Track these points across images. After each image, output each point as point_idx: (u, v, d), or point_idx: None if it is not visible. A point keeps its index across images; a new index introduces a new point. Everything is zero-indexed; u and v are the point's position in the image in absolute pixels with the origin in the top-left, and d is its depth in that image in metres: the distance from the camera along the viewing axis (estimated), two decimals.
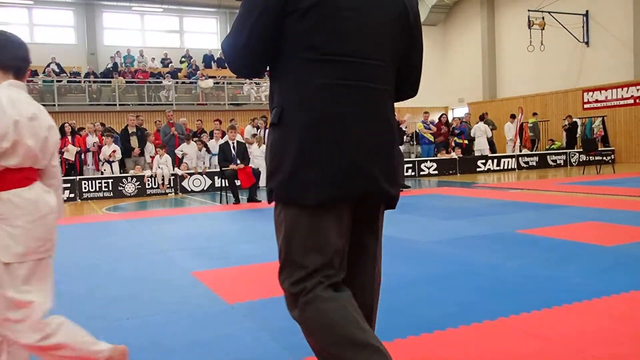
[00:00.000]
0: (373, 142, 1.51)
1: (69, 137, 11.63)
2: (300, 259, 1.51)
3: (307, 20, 1.44)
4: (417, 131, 16.36)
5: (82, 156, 11.84)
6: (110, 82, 18.29)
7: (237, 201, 9.09)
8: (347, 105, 1.48)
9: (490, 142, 15.77)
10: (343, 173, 1.47)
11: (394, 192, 1.61)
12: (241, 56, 1.54)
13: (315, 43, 1.45)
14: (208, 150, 12.41)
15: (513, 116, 16.25)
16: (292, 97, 1.50)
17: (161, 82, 18.72)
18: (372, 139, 1.51)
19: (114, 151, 11.55)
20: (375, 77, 1.52)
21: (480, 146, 15.38)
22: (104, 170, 11.60)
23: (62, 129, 11.77)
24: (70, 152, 11.54)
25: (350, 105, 1.48)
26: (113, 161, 11.63)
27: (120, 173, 11.86)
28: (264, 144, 13.12)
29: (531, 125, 17.15)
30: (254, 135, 12.71)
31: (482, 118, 15.72)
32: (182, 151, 12.11)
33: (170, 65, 20.25)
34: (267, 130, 13.71)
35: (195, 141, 12.30)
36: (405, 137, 16.29)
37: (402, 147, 15.87)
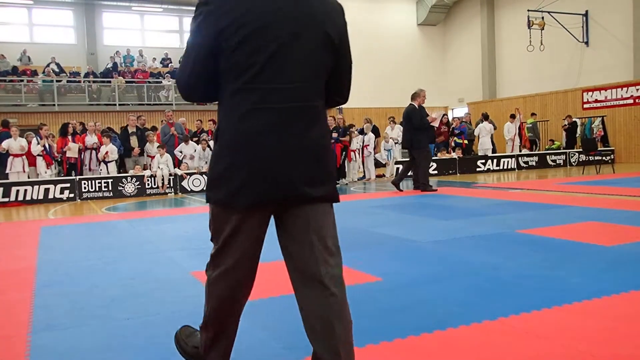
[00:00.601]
0: (290, 154, 1.75)
1: (70, 137, 11.62)
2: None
3: (236, 55, 1.71)
4: None
5: (82, 155, 11.83)
6: (110, 82, 18.28)
7: None
8: (263, 126, 1.73)
9: (492, 141, 15.78)
10: (262, 181, 1.73)
11: (319, 193, 1.80)
12: (186, 90, 1.85)
13: (241, 75, 1.73)
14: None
15: (513, 116, 16.26)
16: (224, 120, 1.79)
17: (161, 82, 18.72)
18: (289, 152, 1.75)
19: (107, 152, 11.55)
20: (295, 98, 1.77)
21: (485, 146, 15.37)
22: (100, 170, 11.61)
23: (64, 129, 11.75)
24: (73, 150, 11.53)
25: (266, 126, 1.73)
26: (109, 161, 11.62)
27: (120, 173, 11.87)
28: None
29: (530, 125, 17.14)
30: None
31: (486, 117, 15.71)
32: (181, 152, 12.12)
33: (170, 65, 20.25)
34: None
35: (195, 141, 12.31)
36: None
37: (398, 147, 15.87)
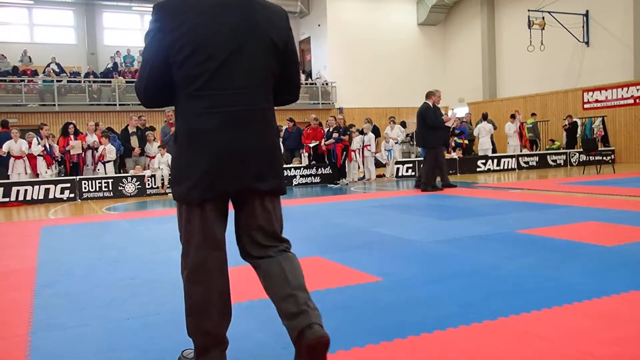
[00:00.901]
0: (240, 153, 1.96)
1: (72, 137, 11.59)
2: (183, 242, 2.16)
3: (186, 67, 1.90)
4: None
5: (84, 155, 11.82)
6: (110, 82, 18.28)
7: None
8: (215, 126, 1.93)
9: (492, 141, 15.78)
10: (215, 178, 1.94)
11: (268, 186, 2.03)
12: (144, 98, 2.05)
13: (190, 83, 1.92)
14: None
15: (513, 116, 16.27)
16: (180, 122, 1.99)
17: None
18: (239, 151, 1.95)
19: (104, 150, 11.54)
20: (244, 102, 1.97)
21: (484, 146, 15.37)
22: (98, 170, 11.61)
23: (65, 129, 11.72)
24: (76, 148, 11.52)
25: (218, 125, 1.93)
26: (106, 162, 11.62)
27: (120, 173, 11.87)
28: None
29: (530, 125, 17.14)
30: None
31: (485, 117, 15.71)
32: None
33: None
34: None
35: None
36: (406, 136, 16.20)
37: (402, 147, 15.88)
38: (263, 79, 2.02)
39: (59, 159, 11.95)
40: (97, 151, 11.66)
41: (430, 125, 9.46)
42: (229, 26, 1.93)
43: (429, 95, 9.67)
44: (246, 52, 1.96)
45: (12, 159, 10.91)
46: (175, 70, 1.93)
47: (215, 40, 1.92)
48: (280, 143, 1.96)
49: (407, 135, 17.42)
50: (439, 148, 9.64)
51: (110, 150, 11.68)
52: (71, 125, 11.65)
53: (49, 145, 11.48)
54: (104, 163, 11.62)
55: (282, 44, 2.05)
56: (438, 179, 9.93)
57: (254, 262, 2.12)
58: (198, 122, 1.94)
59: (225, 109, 1.94)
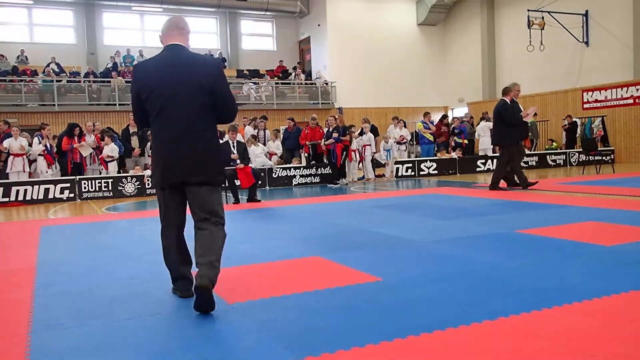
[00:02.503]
0: (182, 156, 3.04)
1: (76, 139, 11.54)
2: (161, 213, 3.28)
3: (147, 104, 3.09)
4: (417, 131, 16.34)
5: (86, 155, 11.80)
6: (110, 82, 18.27)
7: (236, 201, 9.09)
8: (165, 138, 3.07)
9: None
10: (167, 173, 3.09)
11: (200, 179, 3.06)
12: (136, 120, 3.32)
13: (151, 114, 3.10)
14: None
15: None
16: (152, 137, 3.31)
17: None
18: (183, 152, 3.04)
19: (108, 154, 11.55)
20: (183, 125, 3.04)
21: (485, 145, 15.36)
22: (101, 170, 11.60)
23: (71, 130, 11.63)
24: (86, 149, 11.50)
25: (167, 140, 3.06)
26: (109, 161, 11.62)
27: (120, 173, 11.86)
28: (262, 144, 13.13)
29: (529, 125, 17.11)
30: (254, 136, 12.74)
31: (484, 117, 15.71)
32: None
33: None
34: (265, 130, 13.77)
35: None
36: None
37: (404, 147, 15.80)
38: (196, 109, 3.06)
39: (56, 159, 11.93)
40: (100, 152, 11.65)
41: (508, 123, 8.96)
42: (170, 77, 3.05)
43: (505, 91, 9.17)
44: (182, 93, 3.04)
45: (10, 157, 10.90)
46: (145, 105, 3.12)
47: (161, 87, 3.05)
48: (217, 150, 3.08)
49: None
50: (515, 145, 9.10)
51: (113, 149, 11.69)
52: (77, 128, 11.60)
53: (49, 145, 11.47)
54: (106, 162, 11.62)
55: (209, 86, 3.06)
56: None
57: (195, 228, 3.09)
58: (157, 138, 3.14)
59: (171, 129, 3.06)
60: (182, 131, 3.03)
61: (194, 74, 3.06)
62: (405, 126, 17.13)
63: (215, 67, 3.13)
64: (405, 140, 14.91)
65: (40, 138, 11.25)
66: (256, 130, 13.32)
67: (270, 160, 13.06)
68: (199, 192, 3.07)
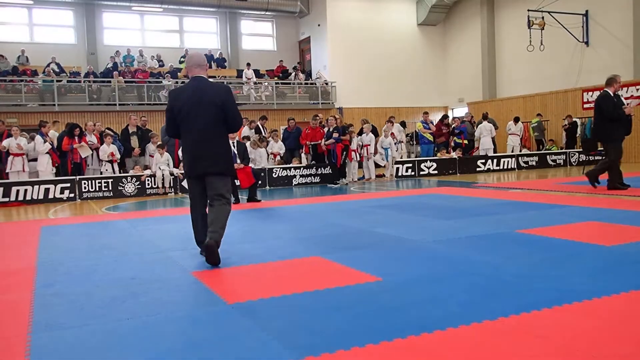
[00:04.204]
0: (203, 153, 4.27)
1: (76, 139, 11.52)
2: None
3: (178, 117, 4.34)
4: (417, 131, 16.34)
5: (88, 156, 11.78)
6: (110, 82, 18.27)
7: (236, 201, 9.08)
8: (190, 142, 4.33)
9: (493, 141, 15.77)
10: (192, 167, 4.34)
11: (215, 171, 4.28)
12: (169, 132, 4.54)
13: (180, 124, 4.35)
14: None
15: (517, 119, 16.26)
16: (182, 142, 4.55)
17: (161, 82, 18.71)
18: (203, 152, 4.28)
19: (112, 152, 11.54)
20: (202, 131, 4.27)
21: (485, 145, 15.35)
22: (106, 169, 11.60)
23: (71, 131, 11.62)
24: (85, 150, 11.49)
25: (191, 139, 4.32)
26: (109, 160, 11.61)
27: (120, 173, 11.86)
28: (264, 145, 13.13)
29: (535, 124, 17.12)
30: (260, 139, 12.78)
31: (485, 117, 15.71)
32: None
33: (170, 65, 20.25)
34: (265, 130, 13.78)
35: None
36: (405, 135, 16.04)
37: (402, 146, 15.79)
38: (211, 120, 4.29)
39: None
40: (102, 152, 11.64)
41: (610, 117, 8.17)
42: (194, 100, 4.29)
43: (609, 82, 8.37)
44: (202, 111, 4.27)
45: (10, 157, 10.90)
46: (176, 119, 4.37)
47: (188, 107, 4.29)
48: (227, 150, 4.52)
49: (406, 135, 17.38)
50: (620, 142, 8.40)
51: (114, 150, 11.68)
52: (77, 129, 11.58)
53: (50, 142, 11.45)
54: (110, 162, 11.61)
55: (221, 102, 4.29)
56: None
57: (209, 204, 4.35)
58: (185, 142, 4.42)
59: (194, 136, 4.31)
60: (201, 137, 4.28)
61: (210, 96, 4.29)
62: (404, 126, 17.13)
63: (225, 89, 4.48)
64: (396, 140, 14.83)
65: (42, 136, 11.21)
66: (257, 135, 13.29)
67: (274, 160, 13.15)
68: (214, 180, 4.30)
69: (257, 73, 21.55)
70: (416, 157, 16.02)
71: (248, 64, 20.85)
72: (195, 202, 4.47)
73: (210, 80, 4.55)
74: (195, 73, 4.44)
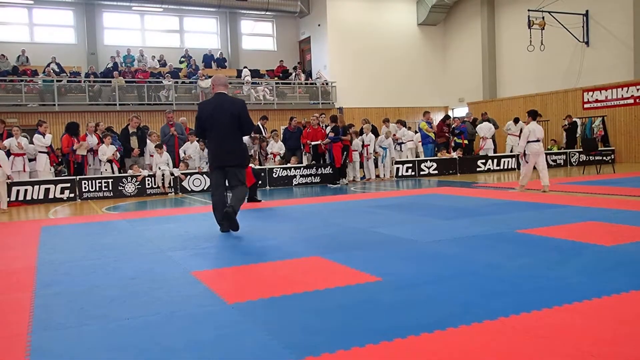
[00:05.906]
0: (224, 150, 5.80)
1: (75, 138, 11.51)
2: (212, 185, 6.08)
3: (205, 124, 5.87)
4: (420, 129, 16.30)
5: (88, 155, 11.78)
6: (110, 82, 18.27)
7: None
8: (215, 140, 5.86)
9: (493, 141, 15.76)
10: (216, 160, 5.87)
11: (234, 163, 5.81)
12: (199, 134, 6.48)
13: (207, 129, 5.88)
14: None
15: (516, 120, 16.23)
16: (208, 141, 6.14)
17: (161, 82, 18.71)
18: (224, 149, 5.80)
19: (115, 152, 11.53)
20: (224, 133, 5.79)
21: (486, 145, 15.34)
22: (105, 169, 11.60)
23: (73, 129, 11.60)
24: (82, 149, 11.48)
25: (215, 140, 5.86)
26: (109, 160, 11.61)
27: (120, 173, 11.85)
28: (265, 144, 13.13)
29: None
30: (260, 138, 12.84)
31: (485, 117, 15.69)
32: (185, 152, 12.12)
33: (170, 65, 20.24)
34: (266, 130, 13.79)
35: (197, 141, 12.29)
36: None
37: (408, 145, 15.74)
38: (230, 126, 5.73)
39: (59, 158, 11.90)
40: (102, 152, 11.64)
41: None
42: (217, 110, 5.74)
43: None
44: (223, 118, 5.71)
45: (11, 157, 10.88)
46: (204, 124, 5.82)
47: (213, 115, 5.73)
48: (242, 148, 6.14)
49: (415, 132, 17.28)
50: None
51: (105, 152, 11.66)
52: (78, 129, 11.56)
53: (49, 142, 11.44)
54: (110, 162, 11.60)
55: (237, 113, 5.72)
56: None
57: (230, 188, 5.82)
58: (210, 142, 5.92)
59: (217, 136, 5.77)
60: (222, 138, 5.73)
61: (229, 108, 5.74)
62: (404, 125, 17.06)
63: (241, 103, 5.90)
64: (402, 141, 14.80)
65: (41, 136, 11.19)
66: (257, 135, 13.29)
67: (274, 160, 13.15)
68: (233, 170, 5.76)
69: (257, 73, 21.55)
70: (417, 157, 15.99)
71: (245, 67, 20.87)
72: (217, 187, 5.80)
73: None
74: (219, 90, 5.88)
